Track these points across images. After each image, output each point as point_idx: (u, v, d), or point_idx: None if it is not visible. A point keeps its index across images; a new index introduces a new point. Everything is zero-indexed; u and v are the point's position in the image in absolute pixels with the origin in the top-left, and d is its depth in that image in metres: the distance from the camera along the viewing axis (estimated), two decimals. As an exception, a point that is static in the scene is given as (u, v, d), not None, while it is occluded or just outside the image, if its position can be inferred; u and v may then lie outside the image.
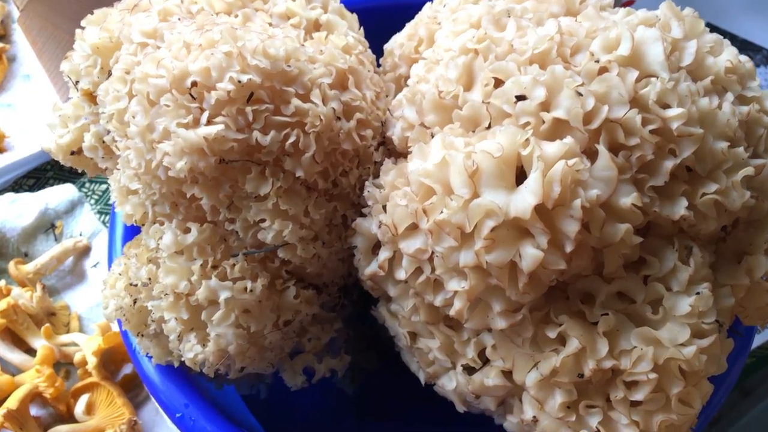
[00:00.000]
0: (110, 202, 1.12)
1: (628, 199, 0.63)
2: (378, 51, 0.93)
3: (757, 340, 1.29)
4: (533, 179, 0.61)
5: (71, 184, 1.42)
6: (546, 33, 0.68)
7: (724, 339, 0.70)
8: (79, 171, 0.88)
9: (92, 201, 1.42)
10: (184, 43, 0.71)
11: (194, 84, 0.68)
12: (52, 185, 1.46)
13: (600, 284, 0.67)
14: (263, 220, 0.73)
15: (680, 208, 0.65)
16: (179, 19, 0.76)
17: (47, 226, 1.35)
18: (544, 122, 0.64)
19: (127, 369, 1.23)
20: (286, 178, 0.72)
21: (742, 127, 0.68)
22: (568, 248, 0.62)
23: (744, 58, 0.72)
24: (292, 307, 0.78)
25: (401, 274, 0.72)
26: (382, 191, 0.74)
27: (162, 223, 0.78)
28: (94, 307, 1.30)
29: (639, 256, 0.67)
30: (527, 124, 0.65)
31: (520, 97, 0.65)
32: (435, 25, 0.83)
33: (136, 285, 0.80)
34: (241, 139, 0.69)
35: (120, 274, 0.82)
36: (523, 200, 0.61)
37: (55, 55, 1.41)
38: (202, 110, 0.69)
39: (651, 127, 0.64)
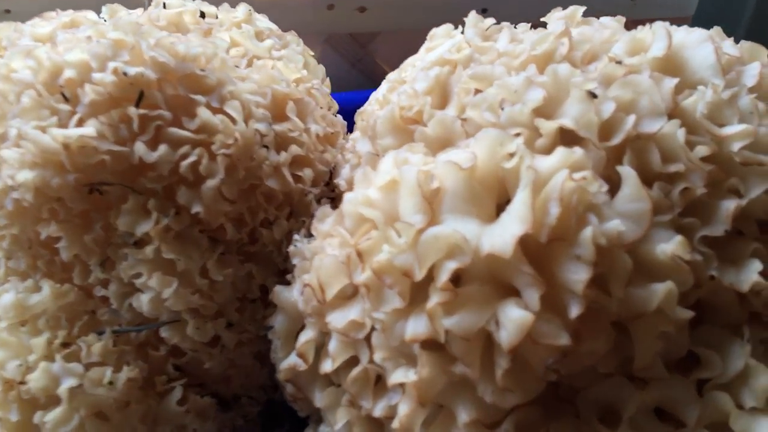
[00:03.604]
0: None
1: (669, 245, 0.40)
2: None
3: None
4: (520, 198, 0.39)
5: None
6: (549, 32, 0.49)
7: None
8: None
9: None
10: (74, 39, 0.54)
11: (69, 82, 0.50)
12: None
13: (628, 390, 0.43)
14: (139, 275, 0.51)
15: (750, 274, 0.43)
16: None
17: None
18: (541, 135, 0.44)
19: None
20: (179, 218, 0.51)
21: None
22: (574, 312, 0.38)
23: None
24: (173, 417, 0.53)
25: (327, 366, 0.48)
26: (313, 243, 0.52)
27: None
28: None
29: (689, 349, 0.43)
30: (517, 135, 0.44)
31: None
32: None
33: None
34: (118, 152, 0.49)
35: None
36: (503, 230, 0.39)
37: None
38: (74, 113, 0.50)
39: (701, 150, 0.43)
